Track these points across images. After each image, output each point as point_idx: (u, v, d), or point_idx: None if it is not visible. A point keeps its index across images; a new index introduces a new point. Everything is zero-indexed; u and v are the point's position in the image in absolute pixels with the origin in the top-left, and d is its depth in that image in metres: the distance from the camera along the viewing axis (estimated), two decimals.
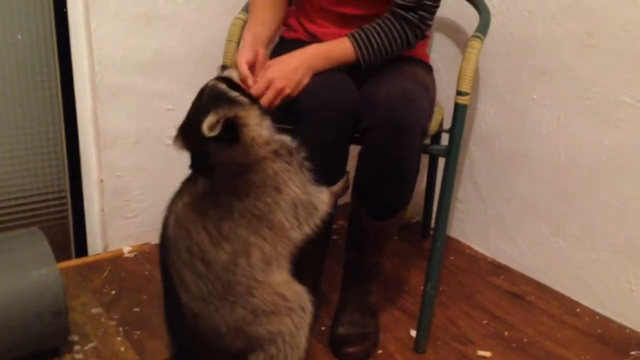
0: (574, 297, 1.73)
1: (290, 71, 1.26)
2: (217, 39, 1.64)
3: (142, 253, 1.84)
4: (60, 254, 1.77)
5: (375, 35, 1.33)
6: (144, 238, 1.87)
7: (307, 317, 1.16)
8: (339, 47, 1.33)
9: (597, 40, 1.57)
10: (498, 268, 1.89)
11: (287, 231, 1.13)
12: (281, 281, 1.13)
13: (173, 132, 1.78)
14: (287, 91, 1.24)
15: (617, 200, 1.60)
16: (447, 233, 1.97)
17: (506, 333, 1.58)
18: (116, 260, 1.80)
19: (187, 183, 1.16)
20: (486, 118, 1.87)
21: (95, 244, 1.81)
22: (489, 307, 1.69)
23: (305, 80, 1.28)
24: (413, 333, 1.52)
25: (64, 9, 1.61)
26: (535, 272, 1.82)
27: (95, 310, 1.55)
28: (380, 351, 1.48)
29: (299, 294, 1.16)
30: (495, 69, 1.82)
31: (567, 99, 1.66)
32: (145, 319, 1.53)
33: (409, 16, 1.33)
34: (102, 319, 1.52)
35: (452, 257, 1.93)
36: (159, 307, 1.55)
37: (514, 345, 1.54)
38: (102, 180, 1.76)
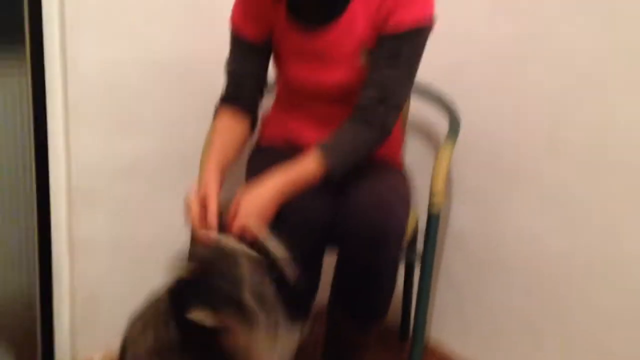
0: None
1: (264, 207, 1.24)
2: (197, 144, 1.67)
3: None
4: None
5: (345, 146, 1.33)
6: (114, 346, 1.80)
7: None
8: (305, 171, 1.30)
9: (564, 146, 1.61)
10: None
11: None
12: None
13: (147, 238, 1.81)
14: (262, 227, 1.24)
15: (592, 311, 1.58)
16: (426, 335, 1.95)
17: None
18: None
19: (154, 316, 1.12)
20: (460, 220, 1.89)
21: (64, 354, 1.75)
22: None
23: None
24: None
25: (44, 115, 1.62)
26: None
27: None
28: None
29: None
30: (466, 172, 1.85)
31: (535, 204, 1.68)
32: None
33: (374, 117, 1.34)
34: None
35: None
36: None
37: None
38: (73, 289, 1.72)
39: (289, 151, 1.43)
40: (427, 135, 1.94)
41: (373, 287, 1.30)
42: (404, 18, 1.30)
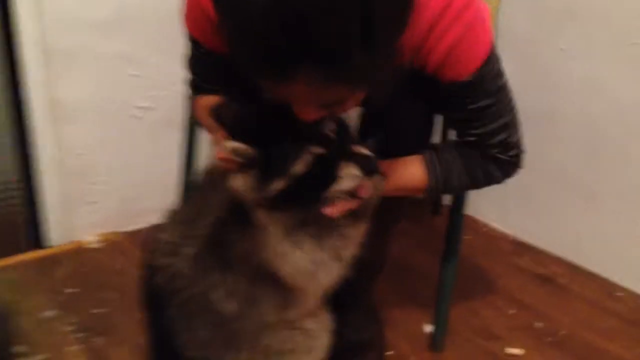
0: (613, 279, 1.56)
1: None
2: None
3: (110, 243, 1.61)
4: (12, 247, 1.54)
5: (457, 179, 1.08)
6: (112, 226, 1.65)
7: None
8: (412, 180, 1.06)
9: None
10: (521, 247, 1.72)
11: None
12: (303, 314, 0.99)
13: (139, 102, 1.60)
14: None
15: None
16: None
17: (537, 324, 1.38)
18: (78, 252, 1.57)
19: (186, 223, 0.97)
20: (506, 74, 1.68)
21: (54, 234, 1.59)
22: (515, 294, 1.49)
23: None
24: (428, 328, 1.32)
25: None
26: (566, 251, 1.66)
27: (49, 314, 1.32)
28: (391, 352, 1.26)
29: (323, 323, 1.02)
30: (515, 15, 1.67)
31: (600, 47, 1.51)
32: (110, 322, 1.30)
33: (502, 163, 1.10)
34: (56, 324, 1.28)
35: (467, 237, 1.72)
36: (128, 307, 1.33)
37: (549, 339, 1.34)
38: (60, 160, 1.53)
39: None
40: None
41: None
42: (458, 73, 0.98)
